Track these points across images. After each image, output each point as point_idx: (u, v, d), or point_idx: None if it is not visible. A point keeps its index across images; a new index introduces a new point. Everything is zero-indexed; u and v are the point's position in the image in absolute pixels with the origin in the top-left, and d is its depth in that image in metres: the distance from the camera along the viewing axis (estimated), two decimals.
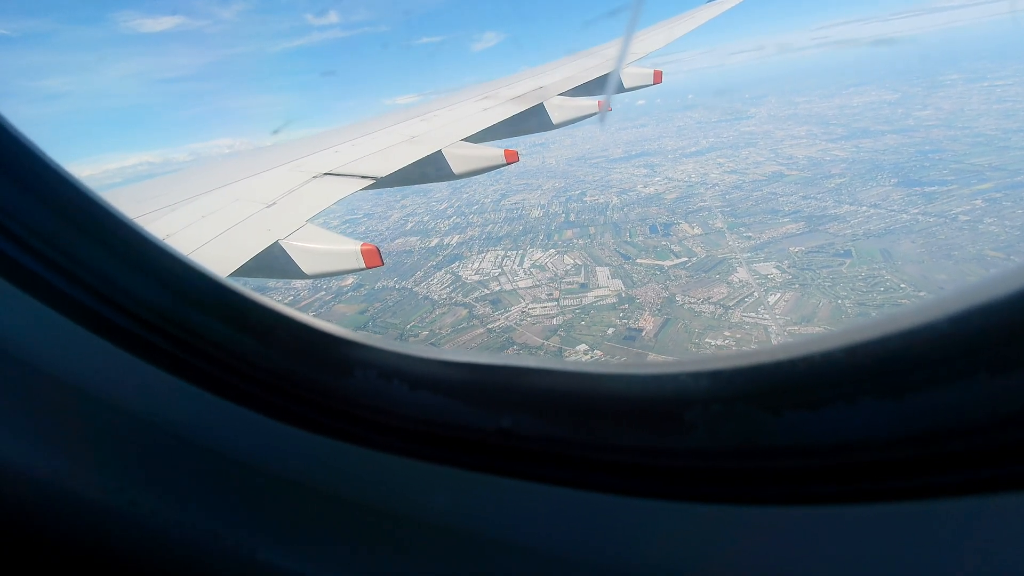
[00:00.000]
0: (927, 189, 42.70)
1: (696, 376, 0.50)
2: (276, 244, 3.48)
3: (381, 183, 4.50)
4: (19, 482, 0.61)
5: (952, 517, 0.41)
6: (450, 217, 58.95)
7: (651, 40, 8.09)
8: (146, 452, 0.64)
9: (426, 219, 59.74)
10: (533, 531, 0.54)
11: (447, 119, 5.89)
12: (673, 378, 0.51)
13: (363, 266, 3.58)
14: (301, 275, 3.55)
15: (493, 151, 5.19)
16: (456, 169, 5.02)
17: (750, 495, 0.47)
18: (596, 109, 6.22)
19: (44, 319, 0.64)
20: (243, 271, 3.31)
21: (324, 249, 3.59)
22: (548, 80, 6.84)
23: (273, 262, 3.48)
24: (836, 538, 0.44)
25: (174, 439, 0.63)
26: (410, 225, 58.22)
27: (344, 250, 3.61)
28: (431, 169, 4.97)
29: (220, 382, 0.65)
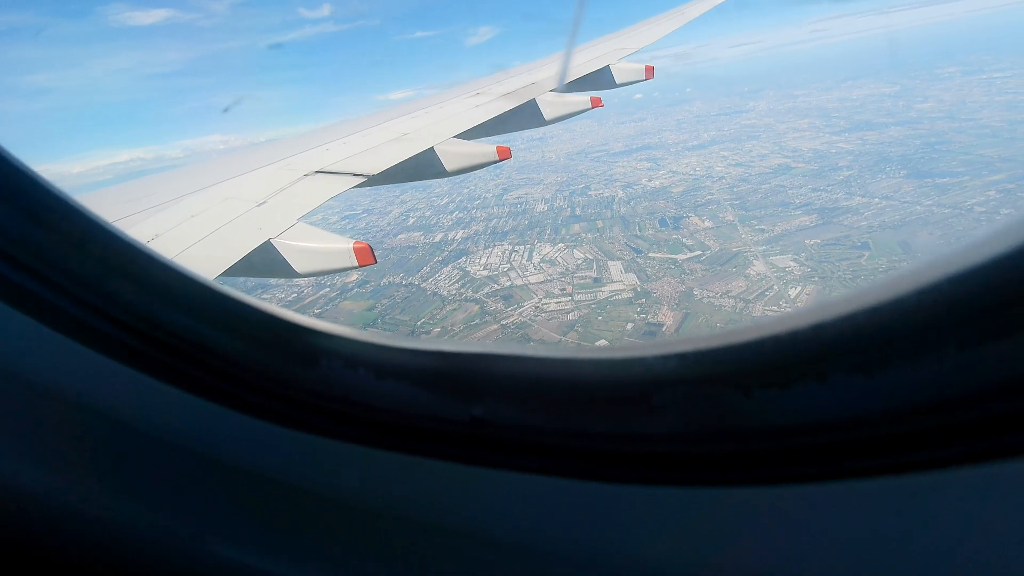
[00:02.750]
0: (939, 181, 42.29)
1: (663, 358, 0.49)
2: (267, 243, 3.41)
3: (373, 181, 4.44)
4: None
5: (925, 491, 0.41)
6: (452, 212, 57.97)
7: (643, 35, 8.09)
8: (103, 447, 0.63)
9: (428, 214, 58.69)
10: (506, 521, 0.53)
11: (439, 116, 5.87)
12: (640, 361, 0.50)
13: (356, 264, 3.52)
14: (293, 274, 3.50)
15: (485, 147, 5.15)
16: (448, 166, 4.97)
17: (724, 476, 0.47)
18: (588, 105, 6.18)
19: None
20: (234, 271, 3.24)
21: (316, 248, 3.54)
22: (540, 76, 6.83)
23: (265, 261, 3.42)
24: (812, 516, 0.44)
25: (132, 433, 0.62)
26: (412, 221, 57.16)
27: (336, 248, 3.55)
28: (423, 166, 4.93)
29: (181, 374, 0.63)
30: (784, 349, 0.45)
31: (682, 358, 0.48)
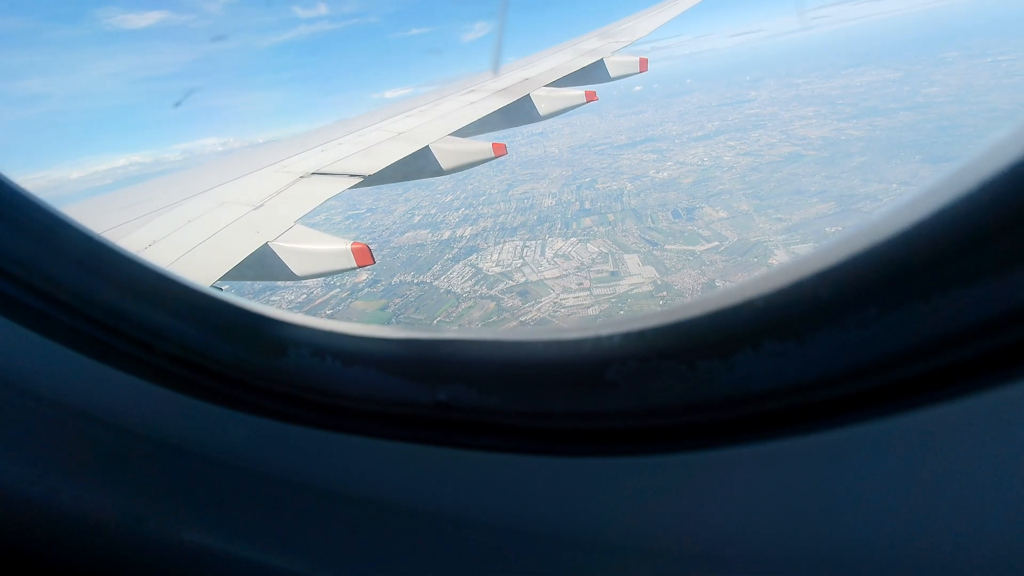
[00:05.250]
0: (955, 164, 41.56)
1: (612, 336, 0.52)
2: (265, 246, 3.38)
3: (370, 181, 4.45)
4: None
5: (858, 442, 0.43)
6: (458, 209, 57.24)
7: (637, 27, 8.05)
8: (74, 440, 0.64)
9: (433, 212, 57.92)
10: (474, 498, 0.55)
11: (434, 114, 5.89)
12: (593, 340, 0.52)
13: (355, 265, 3.51)
14: (292, 277, 3.46)
15: (481, 145, 5.20)
16: (445, 164, 4.99)
17: (676, 444, 0.49)
18: (583, 99, 6.21)
19: None
20: (233, 275, 3.22)
21: (314, 249, 3.52)
22: (534, 71, 6.87)
23: (263, 265, 3.39)
24: (754, 474, 0.46)
25: (104, 427, 0.63)
26: (417, 218, 56.42)
27: (334, 250, 3.54)
28: (420, 165, 4.94)
29: (150, 367, 0.64)
30: (722, 322, 0.47)
31: (630, 335, 0.51)
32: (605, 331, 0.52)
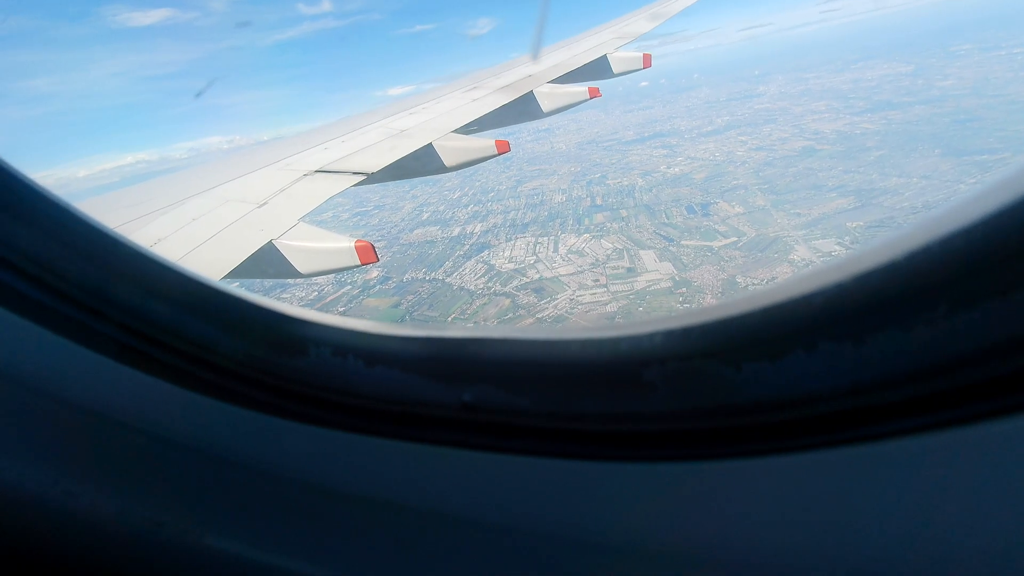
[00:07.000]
0: (977, 158, 40.72)
1: (652, 335, 0.49)
2: (269, 244, 3.38)
3: (373, 178, 4.43)
4: None
5: (915, 455, 0.40)
6: (467, 205, 56.71)
7: (641, 23, 8.02)
8: (91, 442, 0.63)
9: (442, 208, 57.43)
10: (499, 503, 0.54)
11: (437, 111, 5.87)
12: (630, 339, 0.50)
13: (358, 263, 3.49)
14: (296, 274, 3.45)
15: (484, 142, 5.17)
16: (448, 162, 4.97)
17: (716, 451, 0.47)
18: (586, 96, 6.18)
19: None
20: (237, 272, 3.21)
21: (318, 247, 3.50)
22: (537, 68, 6.85)
23: (268, 262, 3.38)
24: (803, 485, 0.44)
25: (123, 429, 0.63)
26: (426, 215, 55.93)
27: (338, 247, 3.53)
28: (423, 162, 4.92)
29: (170, 368, 0.63)
30: (773, 321, 0.44)
31: (671, 334, 0.48)
32: (644, 330, 0.49)
